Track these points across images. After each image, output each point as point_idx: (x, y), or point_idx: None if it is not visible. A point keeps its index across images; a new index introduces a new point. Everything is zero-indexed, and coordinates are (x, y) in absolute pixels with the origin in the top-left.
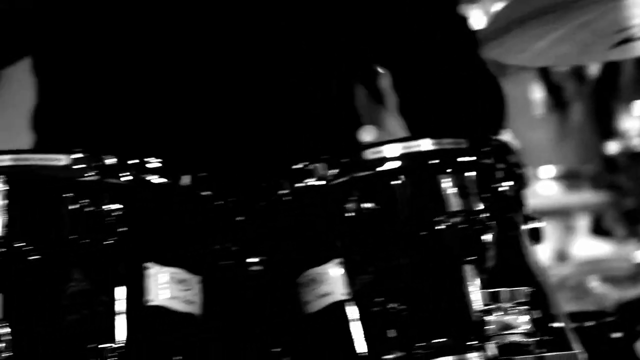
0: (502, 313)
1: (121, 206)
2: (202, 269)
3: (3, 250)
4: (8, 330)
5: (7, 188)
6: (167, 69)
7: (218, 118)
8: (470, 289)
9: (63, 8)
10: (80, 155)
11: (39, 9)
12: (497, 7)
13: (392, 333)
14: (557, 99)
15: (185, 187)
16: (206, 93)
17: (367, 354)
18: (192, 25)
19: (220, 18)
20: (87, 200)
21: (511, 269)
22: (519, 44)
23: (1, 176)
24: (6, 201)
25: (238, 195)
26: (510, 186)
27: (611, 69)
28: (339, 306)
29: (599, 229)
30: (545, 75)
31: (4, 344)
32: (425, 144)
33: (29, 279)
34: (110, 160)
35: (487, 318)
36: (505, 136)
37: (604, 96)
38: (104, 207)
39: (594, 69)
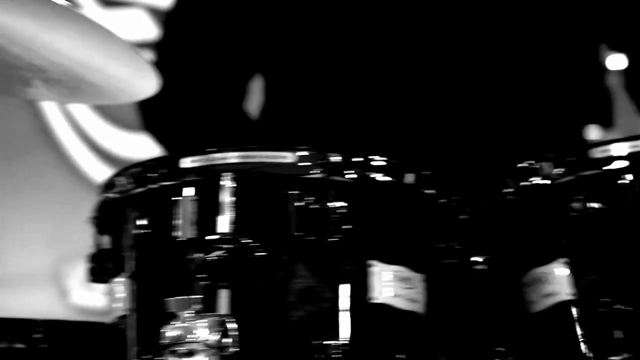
0: None
1: (346, 204)
2: (426, 267)
3: (230, 246)
4: (235, 325)
5: (235, 185)
6: (389, 67)
7: (442, 115)
8: None
9: (290, 10)
10: (306, 152)
11: (266, 11)
12: None
13: (618, 334)
14: None
15: (409, 185)
16: (429, 91)
17: (592, 355)
18: (409, 24)
19: (433, 18)
20: (312, 198)
21: None
22: None
23: (229, 173)
24: (233, 198)
25: (462, 193)
26: None
27: None
28: (564, 306)
29: None
30: None
31: (231, 339)
32: None
33: (255, 275)
34: (335, 158)
35: None
36: None
37: None
38: (329, 204)
39: None
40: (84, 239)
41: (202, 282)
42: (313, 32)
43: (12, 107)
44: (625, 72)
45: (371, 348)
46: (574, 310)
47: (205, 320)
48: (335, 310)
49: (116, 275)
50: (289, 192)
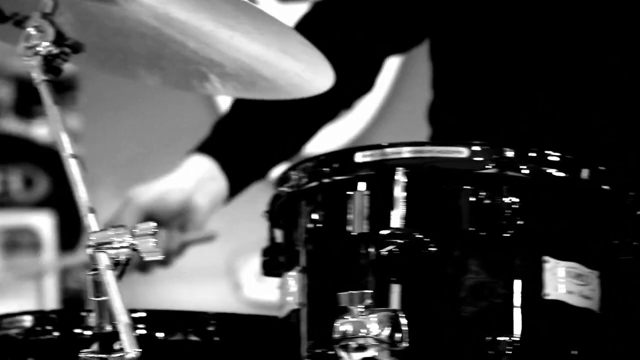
0: None
1: (519, 199)
2: (601, 263)
3: (402, 241)
4: (406, 320)
5: (407, 180)
6: (562, 62)
7: (618, 111)
8: None
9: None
10: (480, 147)
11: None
12: None
13: None
14: None
15: (584, 181)
16: (605, 84)
17: None
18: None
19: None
20: (485, 193)
21: None
22: None
23: (401, 168)
24: (406, 193)
25: (638, 189)
26: None
27: None
28: None
29: None
30: None
31: (401, 335)
32: None
33: (426, 270)
34: (509, 153)
35: None
36: None
37: None
38: (502, 199)
39: None
40: (258, 232)
41: (374, 277)
42: (483, 26)
43: (189, 101)
44: None
45: (544, 345)
46: None
47: (377, 315)
48: (508, 306)
49: (289, 269)
50: (462, 187)
